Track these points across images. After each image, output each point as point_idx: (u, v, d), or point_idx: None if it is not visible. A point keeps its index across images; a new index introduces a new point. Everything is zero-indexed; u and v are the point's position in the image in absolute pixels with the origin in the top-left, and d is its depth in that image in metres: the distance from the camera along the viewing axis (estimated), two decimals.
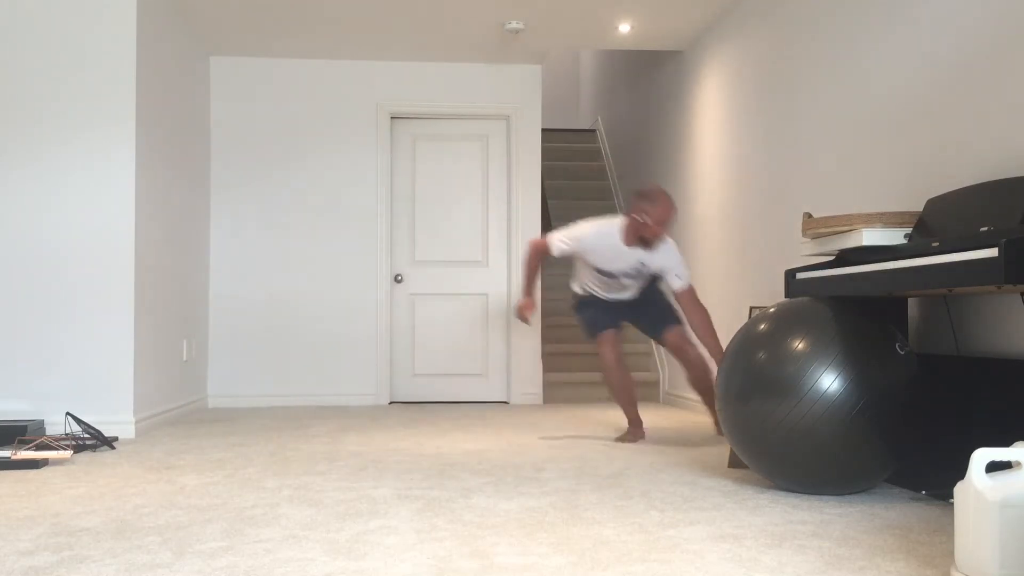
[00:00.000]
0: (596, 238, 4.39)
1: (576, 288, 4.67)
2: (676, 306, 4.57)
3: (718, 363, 4.17)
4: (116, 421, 4.69)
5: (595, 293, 4.58)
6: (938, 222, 2.96)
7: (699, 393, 4.58)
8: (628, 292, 4.54)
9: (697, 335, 4.41)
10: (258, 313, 6.51)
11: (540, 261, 4.59)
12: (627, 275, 4.44)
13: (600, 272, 4.46)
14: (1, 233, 4.70)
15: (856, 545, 2.44)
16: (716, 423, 4.55)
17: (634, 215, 4.31)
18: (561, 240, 4.45)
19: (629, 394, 4.54)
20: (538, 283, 4.66)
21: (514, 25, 5.78)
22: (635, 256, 4.38)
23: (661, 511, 2.86)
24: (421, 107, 6.68)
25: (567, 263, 7.64)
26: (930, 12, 3.48)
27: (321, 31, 5.97)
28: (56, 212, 4.73)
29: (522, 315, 4.48)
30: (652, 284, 4.60)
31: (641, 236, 4.32)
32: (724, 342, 5.51)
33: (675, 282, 4.39)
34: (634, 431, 4.54)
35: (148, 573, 2.18)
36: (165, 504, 2.99)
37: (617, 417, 5.62)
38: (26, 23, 4.74)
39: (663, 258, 4.39)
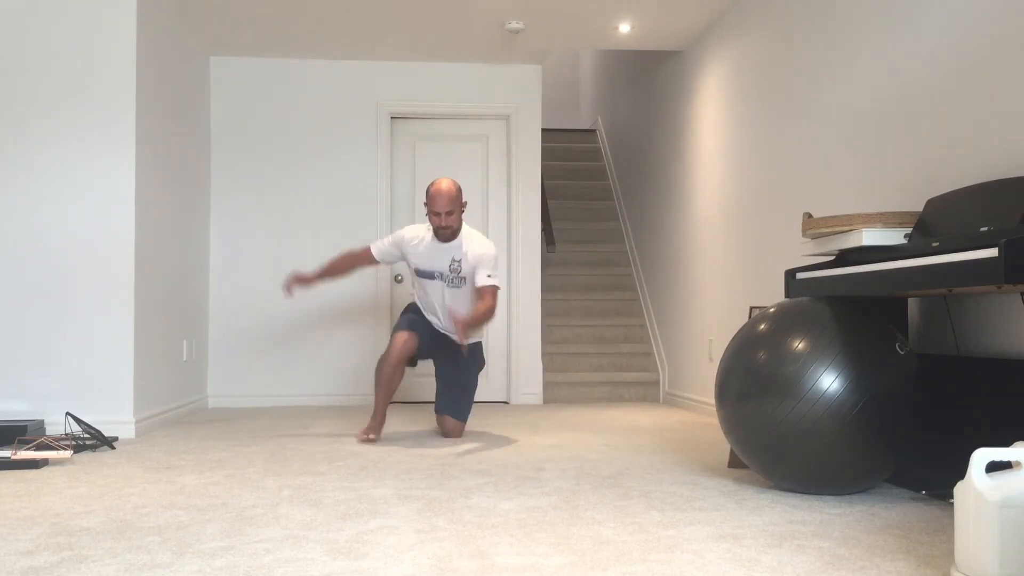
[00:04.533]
0: (412, 232, 4.68)
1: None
2: (471, 385, 4.80)
3: (468, 320, 4.34)
4: (116, 421, 4.70)
5: (418, 305, 4.81)
6: (938, 222, 2.96)
7: None
8: (439, 317, 4.71)
9: (475, 311, 4.45)
10: (258, 313, 6.51)
11: (352, 264, 4.76)
12: (444, 276, 4.62)
13: (420, 274, 4.67)
14: (1, 233, 4.70)
15: (856, 545, 2.44)
16: None
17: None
18: (384, 240, 4.73)
19: (388, 391, 4.63)
20: (330, 278, 4.81)
21: (514, 25, 5.77)
22: (448, 253, 4.59)
23: (661, 511, 2.86)
24: (421, 107, 6.68)
25: (566, 263, 7.65)
26: (929, 12, 3.48)
27: (321, 31, 5.97)
28: (56, 212, 4.73)
29: (288, 284, 4.68)
30: (471, 351, 4.76)
31: (436, 229, 4.56)
32: (724, 342, 5.51)
33: (482, 279, 4.52)
34: (373, 427, 4.57)
35: (148, 573, 2.18)
36: (165, 504, 2.99)
37: (616, 417, 5.62)
38: (26, 23, 4.74)
39: (473, 256, 4.58)
